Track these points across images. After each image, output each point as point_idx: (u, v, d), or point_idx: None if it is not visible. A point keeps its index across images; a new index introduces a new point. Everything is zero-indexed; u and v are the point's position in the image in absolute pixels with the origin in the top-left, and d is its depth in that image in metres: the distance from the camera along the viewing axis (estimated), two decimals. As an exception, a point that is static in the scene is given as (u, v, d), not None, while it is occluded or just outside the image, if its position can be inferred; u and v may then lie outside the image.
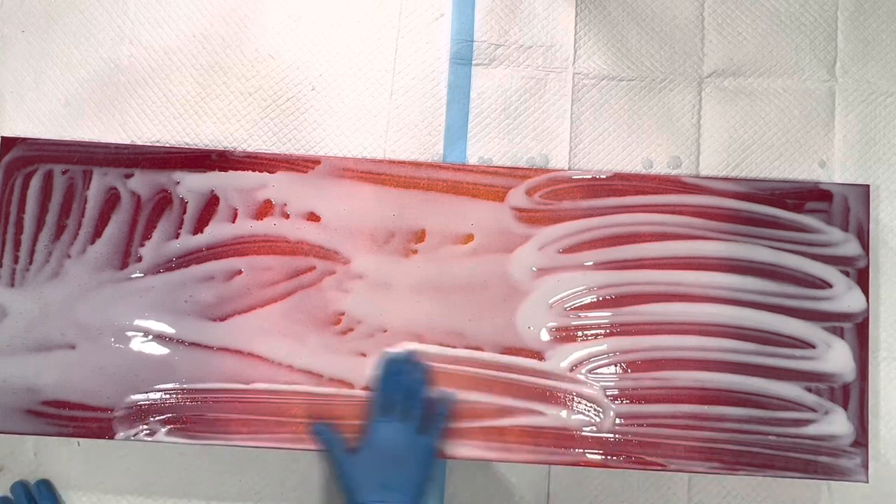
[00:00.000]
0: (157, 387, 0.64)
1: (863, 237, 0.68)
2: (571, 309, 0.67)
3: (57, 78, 0.73)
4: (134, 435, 0.64)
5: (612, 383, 0.65)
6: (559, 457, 0.64)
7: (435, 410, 0.62)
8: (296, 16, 0.74)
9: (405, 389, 0.62)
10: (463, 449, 0.64)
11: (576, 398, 0.65)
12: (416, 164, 0.69)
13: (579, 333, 0.66)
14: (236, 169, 0.68)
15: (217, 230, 0.67)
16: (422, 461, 0.59)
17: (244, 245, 0.67)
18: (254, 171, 0.68)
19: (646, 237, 0.68)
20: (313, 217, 0.68)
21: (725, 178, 0.70)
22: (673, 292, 0.67)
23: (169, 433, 0.64)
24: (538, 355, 0.65)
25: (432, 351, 0.66)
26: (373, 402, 0.62)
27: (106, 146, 0.69)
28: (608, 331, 0.66)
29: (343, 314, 0.66)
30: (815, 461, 0.64)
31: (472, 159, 0.72)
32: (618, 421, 0.64)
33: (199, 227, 0.67)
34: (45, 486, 0.66)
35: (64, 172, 0.68)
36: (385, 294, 0.66)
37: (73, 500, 0.67)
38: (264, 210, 0.68)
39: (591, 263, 0.67)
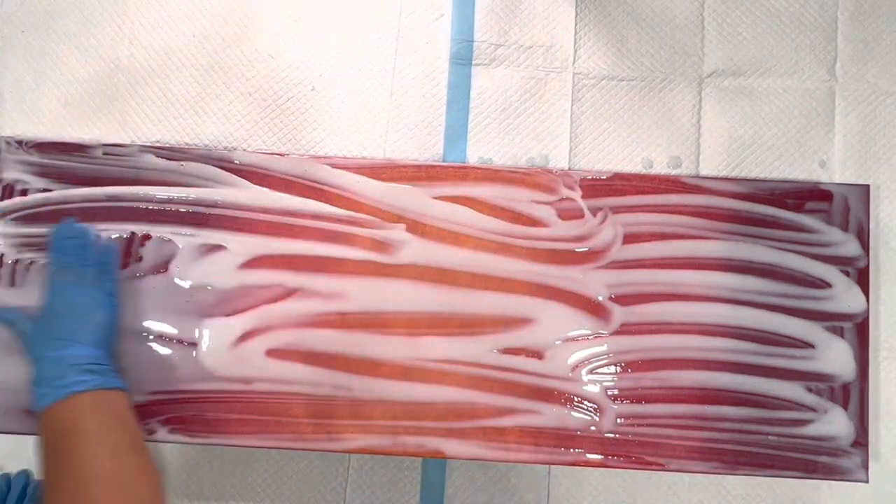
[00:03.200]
0: (158, 387, 0.64)
1: (863, 237, 0.68)
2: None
3: (57, 78, 0.73)
4: (134, 435, 0.63)
5: (612, 383, 0.65)
6: (559, 457, 0.64)
7: (105, 262, 0.64)
8: (296, 16, 0.74)
9: (75, 252, 0.63)
10: (463, 449, 0.64)
11: (576, 398, 0.65)
12: (416, 165, 0.69)
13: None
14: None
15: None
16: (97, 309, 0.60)
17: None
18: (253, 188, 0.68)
19: (646, 237, 0.68)
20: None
21: (725, 178, 0.70)
22: (673, 292, 0.67)
23: (169, 433, 0.64)
24: (538, 355, 0.66)
25: (433, 342, 0.65)
26: (48, 271, 0.63)
27: (106, 149, 0.69)
28: (608, 331, 0.66)
29: (344, 313, 0.66)
30: (815, 461, 0.64)
31: (472, 159, 0.72)
32: (618, 421, 0.64)
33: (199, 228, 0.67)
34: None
35: (64, 172, 0.68)
36: (386, 291, 0.66)
37: (73, 500, 0.67)
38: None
39: (591, 264, 0.67)
